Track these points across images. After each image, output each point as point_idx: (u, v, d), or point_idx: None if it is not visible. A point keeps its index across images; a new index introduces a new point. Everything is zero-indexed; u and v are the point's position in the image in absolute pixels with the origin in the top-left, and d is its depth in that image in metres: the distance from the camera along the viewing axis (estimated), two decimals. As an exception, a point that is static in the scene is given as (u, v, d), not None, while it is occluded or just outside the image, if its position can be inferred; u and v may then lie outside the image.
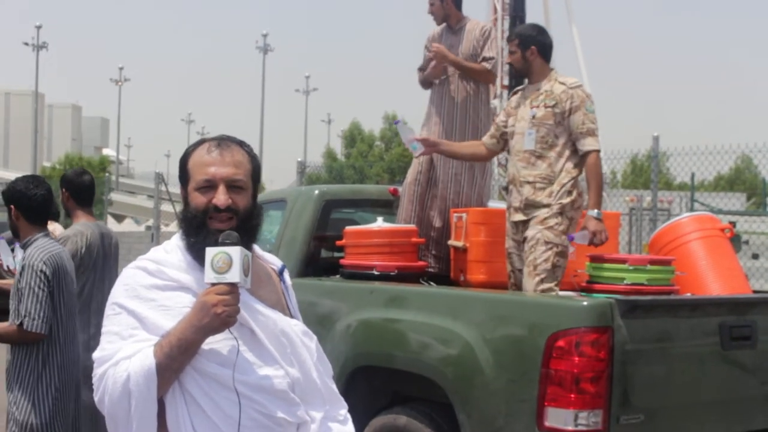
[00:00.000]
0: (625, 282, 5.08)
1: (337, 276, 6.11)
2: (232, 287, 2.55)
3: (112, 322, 2.71)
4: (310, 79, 78.41)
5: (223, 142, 2.80)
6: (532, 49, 5.70)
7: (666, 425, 4.62)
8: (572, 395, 4.33)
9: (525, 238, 5.50)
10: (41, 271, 4.79)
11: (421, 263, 6.16)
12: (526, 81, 5.92)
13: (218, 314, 2.53)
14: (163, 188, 18.89)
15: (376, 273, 5.78)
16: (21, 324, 4.71)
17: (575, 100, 5.50)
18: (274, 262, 2.99)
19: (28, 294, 4.74)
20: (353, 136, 57.58)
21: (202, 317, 2.54)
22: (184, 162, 2.82)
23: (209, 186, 2.72)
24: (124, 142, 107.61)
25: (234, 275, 2.53)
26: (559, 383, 4.36)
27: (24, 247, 5.02)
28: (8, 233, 6.69)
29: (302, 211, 6.32)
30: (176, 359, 2.57)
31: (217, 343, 2.63)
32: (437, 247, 6.42)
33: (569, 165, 5.49)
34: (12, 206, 5.05)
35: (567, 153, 5.51)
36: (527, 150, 5.57)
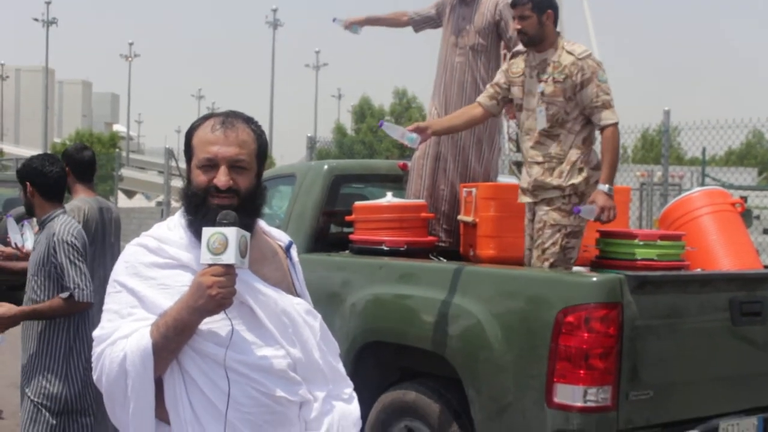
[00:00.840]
0: (635, 257, 5.05)
1: (347, 251, 6.10)
2: (228, 268, 2.51)
3: (113, 300, 2.70)
4: (320, 54, 78.32)
5: (228, 119, 2.74)
6: (549, 13, 5.29)
7: (676, 401, 4.62)
8: (581, 371, 4.32)
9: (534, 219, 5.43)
10: (74, 244, 4.93)
11: (430, 238, 6.14)
12: (520, 46, 5.66)
13: (213, 296, 2.50)
14: (174, 164, 18.91)
15: (385, 248, 5.77)
16: (71, 296, 4.85)
17: (586, 71, 5.18)
18: (281, 238, 2.94)
19: (69, 267, 4.88)
20: (363, 111, 57.50)
21: (198, 299, 2.52)
22: (188, 137, 2.77)
23: (211, 165, 2.67)
24: (135, 117, 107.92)
25: (230, 256, 2.49)
26: (569, 359, 4.34)
27: (42, 224, 5.09)
28: (18, 209, 6.69)
29: (311, 186, 6.31)
30: (172, 340, 2.56)
31: (215, 323, 2.60)
32: (448, 222, 6.38)
33: (578, 140, 5.26)
34: (28, 183, 5.11)
35: (577, 128, 5.26)
36: (539, 130, 5.33)
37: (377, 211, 5.95)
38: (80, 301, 4.89)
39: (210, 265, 2.51)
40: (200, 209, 2.67)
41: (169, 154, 18.76)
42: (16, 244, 5.72)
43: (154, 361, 2.54)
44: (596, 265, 5.30)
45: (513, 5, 5.42)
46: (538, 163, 5.34)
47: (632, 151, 42.49)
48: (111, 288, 2.73)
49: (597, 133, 5.34)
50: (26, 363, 4.99)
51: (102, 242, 5.97)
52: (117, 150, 36.52)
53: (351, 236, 6.05)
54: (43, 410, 4.90)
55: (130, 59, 79.82)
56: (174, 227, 2.78)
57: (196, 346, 2.59)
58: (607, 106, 5.18)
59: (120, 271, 2.73)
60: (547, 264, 5.24)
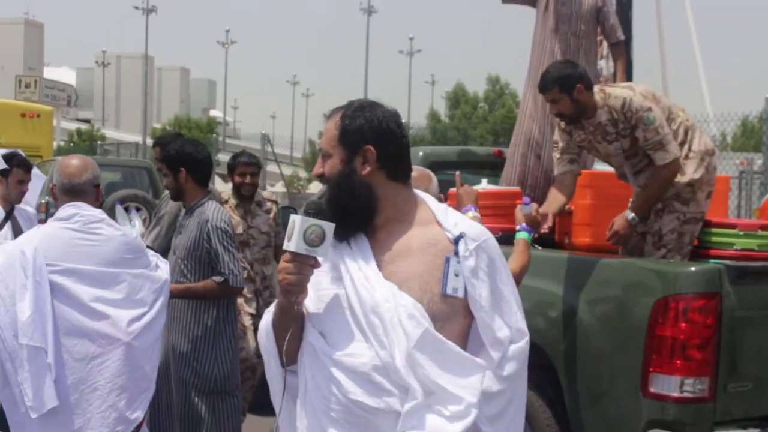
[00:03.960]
0: (734, 247, 4.95)
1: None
2: (295, 256, 2.52)
3: None
4: (414, 40, 78.20)
5: (330, 112, 2.80)
6: (578, 87, 5.08)
7: (775, 394, 4.54)
8: (678, 361, 4.28)
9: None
10: (226, 230, 5.15)
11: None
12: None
13: (280, 281, 2.55)
14: (269, 149, 19.10)
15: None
16: (225, 281, 5.07)
17: (631, 120, 5.05)
18: (452, 230, 2.69)
19: (224, 253, 5.10)
20: (457, 98, 57.21)
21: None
22: None
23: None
24: (231, 103, 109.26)
25: (291, 244, 2.51)
26: (665, 349, 4.30)
27: (190, 210, 5.27)
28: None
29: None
30: (279, 318, 2.67)
31: (319, 310, 2.65)
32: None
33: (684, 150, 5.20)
34: (183, 169, 5.26)
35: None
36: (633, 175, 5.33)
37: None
38: (233, 286, 5.11)
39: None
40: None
41: (265, 139, 18.96)
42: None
43: (275, 337, 2.69)
44: (695, 255, 5.22)
45: (541, 91, 5.29)
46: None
47: (732, 139, 41.58)
48: None
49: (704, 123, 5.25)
50: (176, 344, 5.17)
51: None
52: (214, 135, 37.06)
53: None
54: (194, 390, 5.12)
55: (226, 46, 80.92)
56: None
57: (308, 332, 2.67)
58: (658, 147, 5.04)
59: None
60: (663, 250, 5.15)
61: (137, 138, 44.39)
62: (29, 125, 16.75)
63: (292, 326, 2.64)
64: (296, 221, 2.51)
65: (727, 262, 4.55)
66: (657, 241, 5.17)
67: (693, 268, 4.45)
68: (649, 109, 5.04)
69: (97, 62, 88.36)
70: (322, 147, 2.74)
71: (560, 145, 5.40)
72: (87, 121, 72.79)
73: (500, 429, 2.64)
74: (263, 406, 6.96)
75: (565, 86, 5.10)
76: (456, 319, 2.63)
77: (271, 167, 21.75)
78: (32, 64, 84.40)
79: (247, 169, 7.05)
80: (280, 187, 26.21)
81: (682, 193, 5.14)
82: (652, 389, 4.33)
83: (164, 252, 5.41)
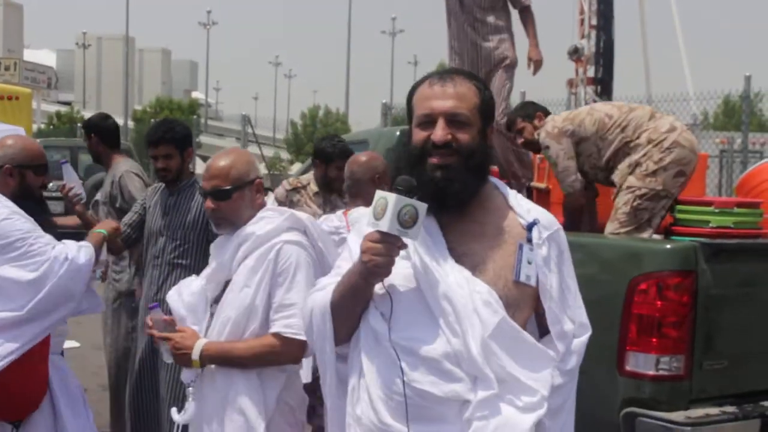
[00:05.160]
0: (710, 225, 4.95)
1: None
2: (385, 236, 2.37)
3: (341, 254, 2.78)
4: (396, 20, 78.00)
5: (447, 74, 2.60)
6: (539, 115, 5.86)
7: (751, 371, 4.55)
8: (654, 339, 4.28)
9: None
10: None
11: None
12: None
13: (365, 262, 2.40)
14: (250, 130, 19.05)
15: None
16: None
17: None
18: (525, 216, 2.61)
19: None
20: (439, 78, 57.12)
21: (358, 262, 2.45)
22: (409, 99, 2.66)
23: (429, 121, 2.53)
24: (213, 85, 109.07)
25: (384, 224, 2.35)
26: (641, 327, 4.30)
27: (178, 191, 5.23)
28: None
29: (383, 152, 6.31)
30: (347, 300, 2.52)
31: (385, 293, 2.50)
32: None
33: (622, 156, 5.41)
34: (190, 149, 5.33)
35: (615, 159, 5.43)
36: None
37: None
38: None
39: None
40: (416, 167, 2.51)
41: (245, 120, 18.90)
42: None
43: (333, 319, 2.54)
44: (671, 233, 5.22)
45: (507, 128, 6.09)
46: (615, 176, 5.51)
47: (713, 117, 41.70)
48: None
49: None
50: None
51: None
52: (195, 117, 36.97)
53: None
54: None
55: (208, 27, 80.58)
56: None
57: (370, 315, 2.53)
58: (560, 178, 5.60)
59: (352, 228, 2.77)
60: (617, 223, 5.22)
61: (119, 120, 44.17)
62: (8, 108, 16.61)
63: (361, 309, 2.54)
64: (390, 199, 2.35)
65: (703, 239, 4.54)
66: (613, 215, 5.33)
67: (668, 246, 4.45)
68: (547, 147, 5.58)
69: (77, 44, 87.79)
70: (459, 111, 2.52)
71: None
72: (68, 103, 72.48)
73: (558, 423, 2.58)
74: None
75: (528, 116, 5.94)
76: (524, 308, 2.55)
77: (252, 148, 21.70)
78: (12, 46, 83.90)
79: (344, 163, 5.79)
80: (261, 169, 26.18)
81: (635, 170, 5.28)
82: (628, 367, 4.33)
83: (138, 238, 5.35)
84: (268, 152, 39.86)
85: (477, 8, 6.74)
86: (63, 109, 59.40)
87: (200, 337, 3.45)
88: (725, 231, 4.91)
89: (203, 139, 40.51)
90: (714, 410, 4.35)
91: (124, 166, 6.18)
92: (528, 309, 2.56)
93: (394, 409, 2.45)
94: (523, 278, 2.52)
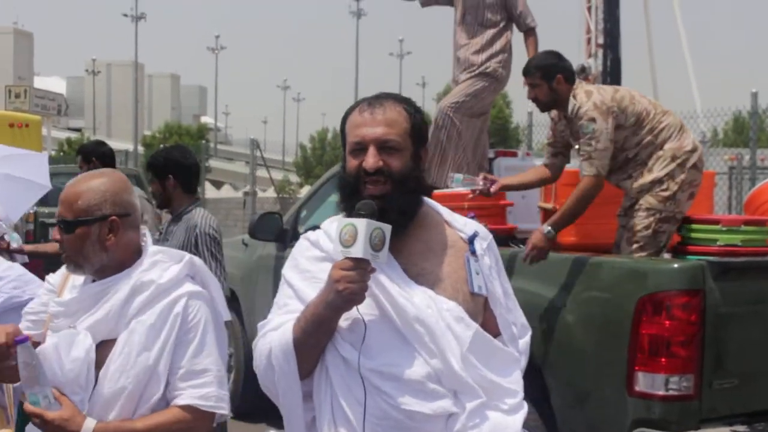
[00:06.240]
0: (718, 243, 4.93)
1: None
2: (358, 262, 2.36)
3: (279, 292, 2.69)
4: (404, 42, 78.38)
5: (377, 99, 2.61)
6: (558, 78, 5.29)
7: (762, 390, 4.53)
8: (663, 359, 4.27)
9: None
10: (215, 237, 5.08)
11: (510, 225, 6.11)
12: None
13: (339, 291, 2.37)
14: (259, 154, 19.08)
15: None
16: None
17: (575, 127, 5.20)
18: (463, 229, 2.68)
19: (210, 260, 4.97)
20: (448, 99, 57.30)
21: (329, 293, 2.41)
22: (342, 126, 2.66)
23: (360, 149, 2.54)
24: (222, 109, 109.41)
25: (357, 250, 2.35)
26: (650, 347, 4.29)
27: (178, 216, 5.20)
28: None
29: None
30: (312, 335, 2.47)
31: (352, 322, 2.48)
32: None
33: (647, 152, 5.18)
34: (171, 176, 5.18)
35: (638, 151, 5.19)
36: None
37: (457, 199, 5.93)
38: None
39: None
40: (353, 197, 2.52)
41: (254, 144, 18.95)
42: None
43: (296, 356, 2.48)
44: (678, 252, 5.20)
45: (524, 74, 5.51)
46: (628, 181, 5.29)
47: (723, 134, 41.63)
48: (281, 281, 2.70)
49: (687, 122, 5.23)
50: None
51: None
52: (205, 141, 37.07)
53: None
54: None
55: (216, 52, 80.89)
56: (339, 219, 2.63)
57: (335, 345, 2.50)
58: (585, 157, 5.10)
59: (286, 264, 2.70)
60: (635, 246, 5.14)
61: (128, 146, 44.34)
62: (18, 135, 16.65)
63: (326, 342, 2.51)
64: (359, 225, 2.36)
65: (710, 258, 4.53)
66: (630, 237, 5.17)
67: (676, 265, 4.44)
68: (592, 120, 5.09)
69: (87, 71, 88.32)
70: (389, 138, 2.53)
71: (549, 136, 5.61)
72: (78, 129, 72.77)
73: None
74: (251, 413, 6.98)
75: (547, 75, 5.31)
76: (479, 317, 2.59)
77: (261, 172, 21.74)
78: (22, 74, 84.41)
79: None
80: (270, 193, 26.20)
81: (653, 188, 5.13)
82: (637, 388, 4.31)
83: None
84: (278, 175, 39.92)
85: (479, 26, 6.79)
86: (73, 135, 59.61)
87: (84, 416, 2.70)
88: (733, 249, 4.88)
89: (213, 163, 40.56)
90: (725, 430, 4.35)
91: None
92: (481, 317, 2.61)
93: None
94: (476, 289, 2.58)
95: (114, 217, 2.82)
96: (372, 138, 2.53)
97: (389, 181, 2.52)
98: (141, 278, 2.80)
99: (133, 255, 2.87)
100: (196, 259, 2.97)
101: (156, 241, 5.16)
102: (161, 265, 2.86)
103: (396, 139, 2.54)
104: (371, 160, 2.51)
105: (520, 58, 6.73)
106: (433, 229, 2.64)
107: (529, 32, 6.91)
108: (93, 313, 2.79)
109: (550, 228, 4.94)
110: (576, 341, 4.58)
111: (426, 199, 2.70)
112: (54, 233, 2.86)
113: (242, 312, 7.50)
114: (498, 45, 6.87)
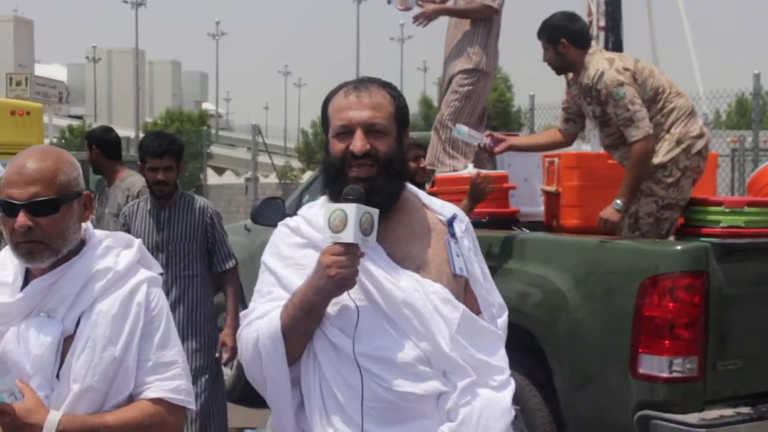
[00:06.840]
0: (721, 225, 4.93)
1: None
2: (349, 247, 2.37)
3: (259, 280, 2.68)
4: (405, 27, 78.04)
5: (362, 83, 2.63)
6: (563, 42, 5.25)
7: (766, 371, 4.52)
8: (666, 341, 4.26)
9: None
10: (221, 218, 5.52)
11: (513, 209, 6.10)
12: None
13: (331, 276, 2.38)
14: (260, 140, 19.06)
15: (467, 220, 5.73)
16: (236, 263, 5.54)
17: (601, 95, 5.10)
18: (443, 212, 2.71)
19: (225, 237, 5.48)
20: (449, 83, 57.19)
21: (319, 278, 2.41)
22: (324, 109, 2.66)
23: (346, 132, 2.55)
24: (223, 95, 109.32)
25: (348, 235, 2.35)
26: (653, 329, 4.28)
27: (172, 204, 5.39)
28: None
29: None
30: (300, 321, 2.47)
31: (343, 308, 2.49)
32: None
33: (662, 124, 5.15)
34: (182, 163, 5.46)
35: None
36: (604, 148, 5.42)
37: (459, 182, 5.92)
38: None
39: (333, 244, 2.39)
40: (338, 180, 2.54)
41: (256, 130, 18.93)
42: None
43: (285, 343, 2.47)
44: (681, 234, 5.20)
45: (538, 36, 5.48)
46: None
47: (726, 116, 41.55)
48: (260, 268, 2.69)
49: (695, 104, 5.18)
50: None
51: None
52: (206, 128, 37.00)
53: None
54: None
55: (217, 38, 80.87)
56: (321, 204, 2.66)
57: (324, 330, 2.51)
58: (628, 123, 5.04)
59: (266, 251, 2.69)
60: (638, 233, 5.13)
61: (130, 133, 44.27)
62: (19, 123, 16.63)
63: (314, 328, 2.51)
64: (349, 210, 2.36)
65: (714, 239, 4.52)
66: (633, 224, 5.16)
67: (679, 247, 4.43)
68: (620, 84, 5.05)
69: (87, 58, 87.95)
70: (375, 121, 2.54)
71: (564, 100, 5.60)
72: (79, 117, 72.65)
73: None
74: (254, 398, 6.98)
75: (550, 39, 5.33)
76: (461, 298, 2.62)
77: (263, 158, 21.70)
78: (23, 62, 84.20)
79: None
80: (273, 178, 26.18)
81: (656, 174, 5.10)
82: (641, 370, 4.31)
83: None
84: (279, 161, 39.87)
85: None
86: (74, 123, 59.50)
87: (48, 409, 2.48)
88: (736, 230, 4.88)
89: (215, 149, 40.51)
90: (729, 411, 4.33)
91: (139, 181, 6.18)
92: (462, 298, 2.63)
93: (377, 418, 2.46)
94: (458, 271, 2.61)
95: (88, 191, 2.64)
96: (359, 121, 2.55)
97: (375, 164, 2.54)
98: (96, 266, 2.59)
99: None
100: (139, 242, 2.74)
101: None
102: (114, 250, 2.65)
103: (382, 123, 2.56)
104: (359, 143, 2.52)
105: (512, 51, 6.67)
106: (414, 212, 2.67)
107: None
108: (42, 308, 2.56)
109: (620, 201, 5.01)
110: (579, 324, 4.57)
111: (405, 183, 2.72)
112: (9, 220, 2.50)
113: (244, 296, 7.50)
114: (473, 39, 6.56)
